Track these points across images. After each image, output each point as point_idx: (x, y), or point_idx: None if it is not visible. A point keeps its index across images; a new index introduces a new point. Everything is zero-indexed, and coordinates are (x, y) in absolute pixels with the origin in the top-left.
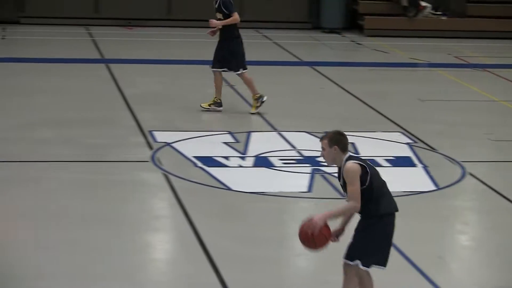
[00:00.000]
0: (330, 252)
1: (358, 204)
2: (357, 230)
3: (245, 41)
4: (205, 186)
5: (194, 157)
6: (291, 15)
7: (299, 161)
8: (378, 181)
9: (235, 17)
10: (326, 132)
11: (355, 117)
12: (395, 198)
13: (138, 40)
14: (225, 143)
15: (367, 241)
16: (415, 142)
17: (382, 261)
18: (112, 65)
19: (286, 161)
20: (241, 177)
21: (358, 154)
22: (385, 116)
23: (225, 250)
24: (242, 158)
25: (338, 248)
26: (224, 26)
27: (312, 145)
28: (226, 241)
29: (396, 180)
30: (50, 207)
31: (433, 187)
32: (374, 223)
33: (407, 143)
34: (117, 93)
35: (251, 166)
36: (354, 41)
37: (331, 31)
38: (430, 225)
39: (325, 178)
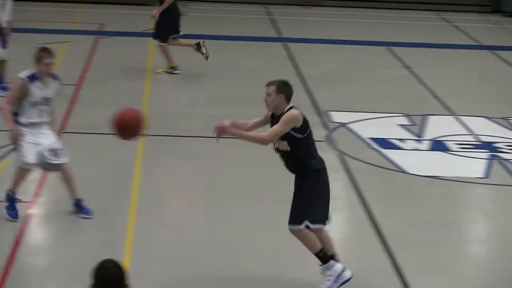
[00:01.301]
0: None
1: (268, 140)
2: (296, 192)
3: (424, 23)
4: (380, 168)
5: (369, 138)
6: None
7: (476, 146)
8: (312, 137)
9: None
10: (273, 80)
11: None
12: None
13: (315, 19)
14: (401, 125)
15: (306, 200)
16: None
17: (321, 219)
18: (289, 44)
19: (463, 145)
20: (416, 160)
21: None
22: None
23: (398, 232)
24: (418, 141)
25: None
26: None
27: (490, 131)
28: (400, 223)
29: None
30: (218, 182)
31: None
32: (312, 179)
33: None
34: (293, 71)
35: (426, 149)
36: None
37: None
38: None
39: (502, 165)
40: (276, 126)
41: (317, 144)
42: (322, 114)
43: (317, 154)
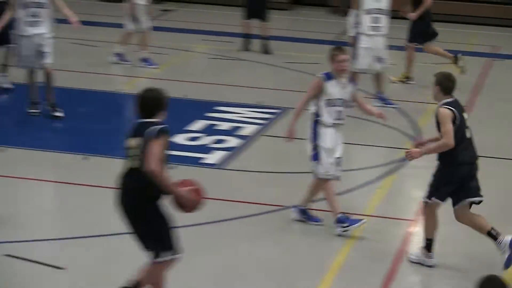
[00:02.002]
0: None
1: (449, 142)
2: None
3: None
4: None
5: None
6: None
7: None
8: (463, 131)
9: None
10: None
11: None
12: None
13: None
14: None
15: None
16: None
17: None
18: None
19: None
20: None
21: None
22: None
23: None
24: None
25: None
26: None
27: None
28: None
29: None
30: None
31: None
32: (449, 171)
33: None
34: None
35: None
36: None
37: None
38: None
39: None
40: (442, 128)
41: None
42: None
43: (468, 148)
